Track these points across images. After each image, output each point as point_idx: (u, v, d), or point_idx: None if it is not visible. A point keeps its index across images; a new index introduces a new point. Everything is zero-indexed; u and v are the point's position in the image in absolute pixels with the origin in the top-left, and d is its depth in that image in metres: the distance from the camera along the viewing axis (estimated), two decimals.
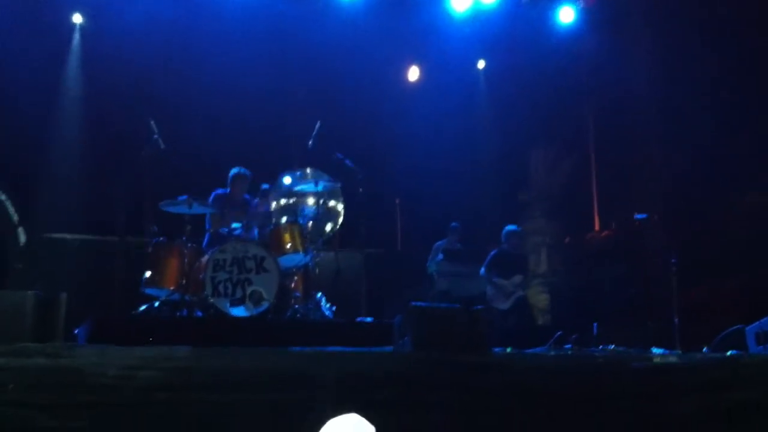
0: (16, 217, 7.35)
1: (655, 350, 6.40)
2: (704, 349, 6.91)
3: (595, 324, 7.03)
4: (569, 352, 6.36)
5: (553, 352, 6.52)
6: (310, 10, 10.53)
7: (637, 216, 8.78)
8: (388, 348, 6.44)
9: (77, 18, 10.11)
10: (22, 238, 7.34)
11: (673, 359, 6.10)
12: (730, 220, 9.51)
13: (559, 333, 6.92)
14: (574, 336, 6.92)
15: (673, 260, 7.95)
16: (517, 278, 9.35)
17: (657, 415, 5.24)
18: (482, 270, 9.43)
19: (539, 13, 11.25)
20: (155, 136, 7.66)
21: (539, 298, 11.36)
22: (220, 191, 7.95)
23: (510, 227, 9.81)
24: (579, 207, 11.91)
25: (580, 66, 11.31)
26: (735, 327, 6.91)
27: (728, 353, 6.21)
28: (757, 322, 6.37)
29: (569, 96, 11.67)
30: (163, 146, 7.65)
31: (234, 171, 8.05)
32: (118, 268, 7.97)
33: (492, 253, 9.59)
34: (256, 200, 8.06)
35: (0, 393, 4.57)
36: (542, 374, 5.73)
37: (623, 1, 11.15)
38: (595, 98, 11.80)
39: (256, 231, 7.63)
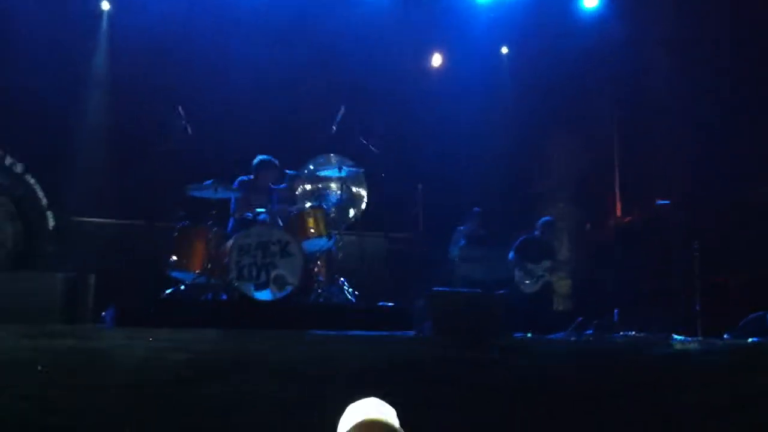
0: (45, 201, 7.50)
1: (676, 337, 6.42)
2: (725, 336, 6.92)
3: (616, 310, 7.06)
4: (590, 338, 6.41)
5: (573, 338, 6.57)
6: None
7: (659, 202, 8.80)
8: (410, 332, 6.53)
9: (105, 5, 10.21)
10: (51, 221, 7.49)
11: (693, 345, 6.12)
12: (752, 205, 9.46)
13: (579, 319, 6.96)
14: (595, 322, 6.96)
15: (695, 246, 7.94)
16: (546, 263, 9.36)
17: (677, 401, 5.27)
18: (511, 254, 9.46)
19: None
20: (183, 122, 7.76)
21: (561, 284, 11.34)
22: (244, 177, 7.99)
23: (546, 218, 9.91)
24: (601, 193, 11.87)
25: (603, 52, 11.24)
26: (757, 313, 6.91)
27: (749, 340, 6.23)
28: None
29: (592, 82, 11.62)
30: (190, 132, 7.74)
31: (260, 158, 8.07)
32: (145, 251, 8.09)
33: (521, 238, 9.63)
34: (281, 186, 8.12)
35: (30, 373, 4.68)
36: (562, 359, 5.78)
37: None
38: (618, 84, 11.75)
39: (279, 217, 7.68)
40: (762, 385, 5.33)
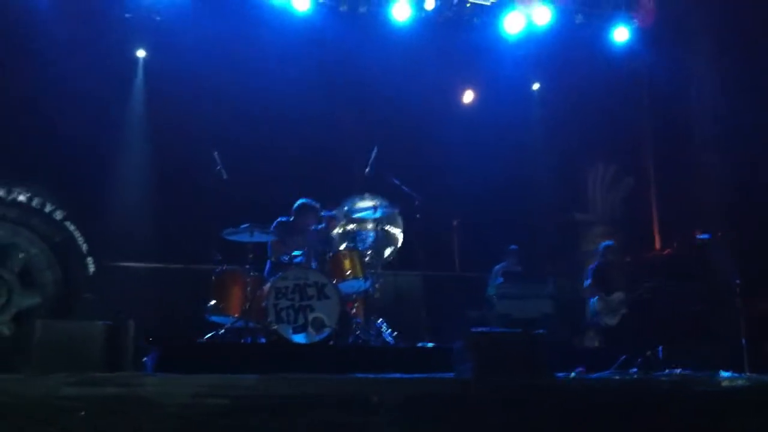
0: (85, 247, 7.56)
1: (723, 373, 6.28)
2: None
3: (660, 347, 6.93)
4: (634, 376, 6.28)
5: (618, 377, 6.45)
6: (365, 36, 10.65)
7: (700, 236, 8.68)
8: (450, 374, 6.45)
9: (141, 52, 10.41)
10: (91, 267, 7.55)
11: (741, 382, 5.97)
12: None
13: (623, 357, 6.83)
14: (639, 359, 6.83)
15: (736, 281, 7.80)
16: (619, 294, 9.26)
17: None
18: (586, 282, 9.50)
19: (593, 33, 11.19)
20: (218, 167, 7.84)
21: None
22: (282, 219, 8.06)
23: (606, 242, 9.90)
24: (639, 226, 11.76)
25: (636, 84, 11.21)
26: None
27: None
28: None
29: (626, 114, 11.57)
30: (225, 176, 7.82)
31: (301, 201, 8.15)
32: (184, 295, 8.13)
33: (591, 267, 9.64)
34: (317, 227, 8.15)
35: (72, 421, 4.69)
36: (606, 399, 5.67)
37: (680, 20, 11.03)
38: (653, 116, 11.69)
39: (314, 259, 7.69)
40: None
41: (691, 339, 7.95)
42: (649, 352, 6.85)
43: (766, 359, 7.97)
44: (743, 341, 7.38)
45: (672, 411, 5.40)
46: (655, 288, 8.76)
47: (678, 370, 6.35)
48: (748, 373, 6.64)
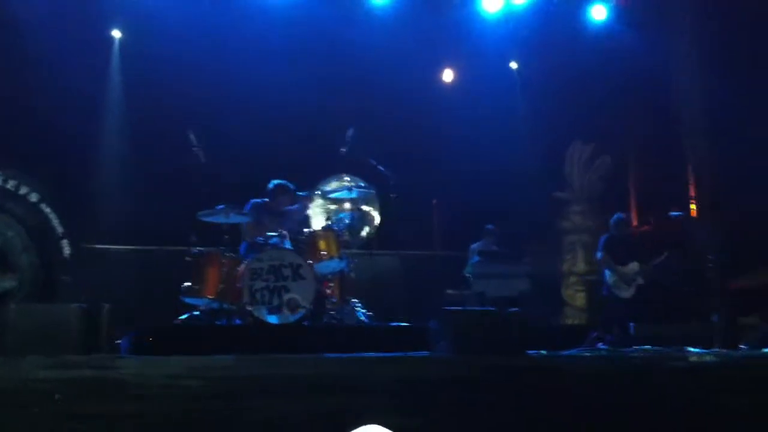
0: (60, 230, 7.56)
1: (692, 349, 6.37)
2: (742, 347, 6.85)
3: (631, 324, 7.01)
4: (604, 353, 6.37)
5: (588, 353, 6.53)
6: (343, 16, 10.61)
7: (673, 213, 8.75)
8: (425, 353, 6.51)
9: (116, 33, 10.32)
10: (67, 250, 7.55)
11: (710, 358, 6.07)
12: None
13: (594, 333, 6.92)
14: (609, 336, 6.92)
15: (711, 257, 7.88)
16: (634, 265, 9.19)
17: (693, 415, 5.22)
18: (598, 254, 9.44)
19: (571, 12, 11.21)
20: (194, 148, 7.81)
21: (576, 297, 11.33)
22: (257, 200, 8.04)
23: (618, 215, 9.76)
24: (616, 204, 11.82)
25: (614, 63, 11.23)
26: None
27: (765, 350, 6.17)
28: None
29: (604, 93, 11.59)
30: (203, 158, 7.79)
31: (275, 182, 8.14)
32: (159, 277, 8.14)
33: (603, 238, 9.56)
34: (293, 207, 8.15)
35: (47, 404, 4.71)
36: (578, 376, 5.74)
37: None
38: (631, 95, 11.72)
39: (288, 241, 7.70)
40: None
41: (662, 316, 8.05)
42: (617, 330, 6.94)
43: (739, 335, 8.09)
44: (715, 318, 7.46)
45: (641, 386, 5.48)
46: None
47: (647, 347, 6.44)
48: (717, 349, 6.74)
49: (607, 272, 9.29)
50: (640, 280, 9.09)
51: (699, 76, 10.66)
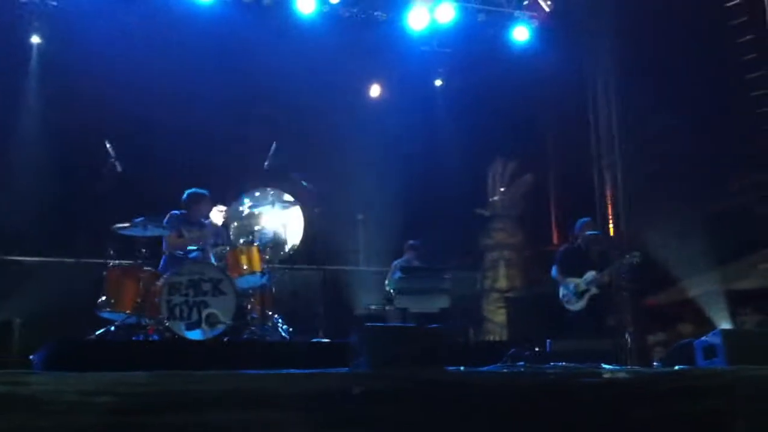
0: None
1: (606, 366, 6.50)
2: (655, 364, 7.03)
3: (548, 341, 7.13)
4: (522, 369, 6.45)
5: (506, 369, 6.61)
6: (270, 30, 10.56)
7: (589, 233, 8.93)
8: (345, 369, 6.50)
9: (35, 38, 10.07)
10: None
11: (622, 374, 6.20)
12: (687, 232, 9.64)
13: (512, 350, 7.02)
14: (526, 353, 7.03)
15: (623, 275, 8.05)
16: (590, 275, 8.84)
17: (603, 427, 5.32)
18: (553, 270, 9.14)
19: (495, 32, 11.39)
20: (111, 159, 7.67)
21: (497, 312, 11.48)
22: (175, 212, 7.90)
23: (584, 219, 9.35)
24: (538, 221, 12.07)
25: (536, 83, 11.47)
26: (686, 341, 7.05)
27: (676, 367, 6.34)
28: (704, 337, 6.51)
29: (527, 112, 11.83)
30: (119, 168, 7.65)
31: (190, 192, 7.98)
32: (75, 291, 7.93)
33: (560, 249, 9.35)
34: (211, 221, 8.04)
35: None
36: (495, 391, 5.81)
37: (577, 17, 11.33)
38: (553, 114, 11.99)
39: (212, 254, 7.61)
40: (686, 411, 5.43)
41: (579, 332, 8.21)
42: (536, 347, 7.04)
43: (650, 352, 8.32)
44: (626, 335, 7.65)
45: (557, 401, 5.58)
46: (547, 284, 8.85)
47: (562, 363, 6.55)
48: (629, 366, 6.90)
49: (562, 287, 9.02)
50: (594, 290, 8.84)
51: (615, 94, 10.98)
